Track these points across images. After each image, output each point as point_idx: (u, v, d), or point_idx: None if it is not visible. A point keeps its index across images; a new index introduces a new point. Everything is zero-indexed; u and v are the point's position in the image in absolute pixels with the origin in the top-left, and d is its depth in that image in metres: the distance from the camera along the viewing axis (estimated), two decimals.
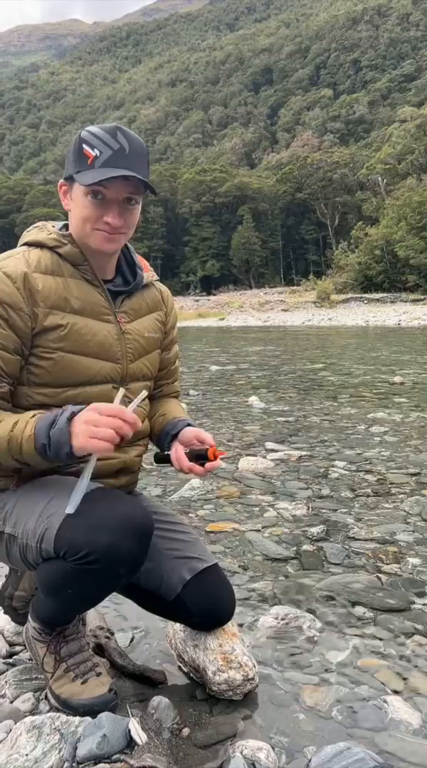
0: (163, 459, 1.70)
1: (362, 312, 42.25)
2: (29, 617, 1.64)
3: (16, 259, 1.48)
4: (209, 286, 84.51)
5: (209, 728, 1.51)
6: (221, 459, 1.63)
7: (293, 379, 9.24)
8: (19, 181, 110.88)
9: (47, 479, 1.52)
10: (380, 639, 1.95)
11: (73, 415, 1.34)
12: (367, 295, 51.25)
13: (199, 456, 1.62)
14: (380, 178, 70.91)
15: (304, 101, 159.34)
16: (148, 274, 1.74)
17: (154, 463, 1.71)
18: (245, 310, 53.51)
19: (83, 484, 1.37)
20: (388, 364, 10.98)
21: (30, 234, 1.58)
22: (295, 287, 66.99)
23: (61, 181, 1.54)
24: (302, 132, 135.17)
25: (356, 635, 1.98)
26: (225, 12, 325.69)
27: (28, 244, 1.55)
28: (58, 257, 1.53)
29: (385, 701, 1.60)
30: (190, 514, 3.18)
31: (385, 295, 50.55)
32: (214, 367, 11.24)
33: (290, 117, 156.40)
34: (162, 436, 1.74)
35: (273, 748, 1.41)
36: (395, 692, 1.67)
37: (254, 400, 7.03)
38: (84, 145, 1.44)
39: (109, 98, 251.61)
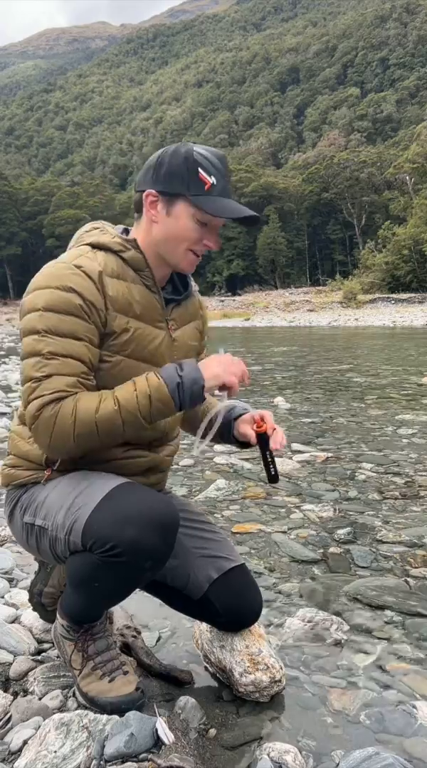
0: (270, 476, 1.69)
1: (390, 312, 41.84)
2: (58, 614, 1.66)
3: (89, 259, 1.48)
4: (234, 286, 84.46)
5: (236, 729, 1.51)
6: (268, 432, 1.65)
7: (319, 380, 9.19)
8: (47, 183, 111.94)
9: (76, 474, 1.54)
10: (409, 643, 1.93)
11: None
12: (394, 296, 50.73)
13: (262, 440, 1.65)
14: (407, 177, 70.02)
15: (331, 100, 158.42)
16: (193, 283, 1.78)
17: (270, 483, 1.74)
18: (271, 310, 53.38)
19: (216, 426, 1.61)
20: (416, 365, 10.85)
21: (92, 235, 1.57)
22: (321, 287, 66.60)
23: (152, 191, 1.52)
24: (328, 131, 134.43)
25: (383, 639, 1.96)
26: (252, 12, 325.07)
27: (92, 245, 1.54)
28: (122, 261, 1.54)
29: (414, 706, 1.57)
30: (215, 515, 3.18)
31: (413, 295, 49.96)
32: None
33: (316, 116, 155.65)
34: (222, 428, 1.74)
35: (301, 751, 1.40)
36: (425, 697, 1.65)
37: (279, 400, 7.01)
38: (200, 170, 1.47)
39: (135, 100, 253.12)
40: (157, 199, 1.52)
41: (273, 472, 1.66)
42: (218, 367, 1.46)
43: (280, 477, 1.72)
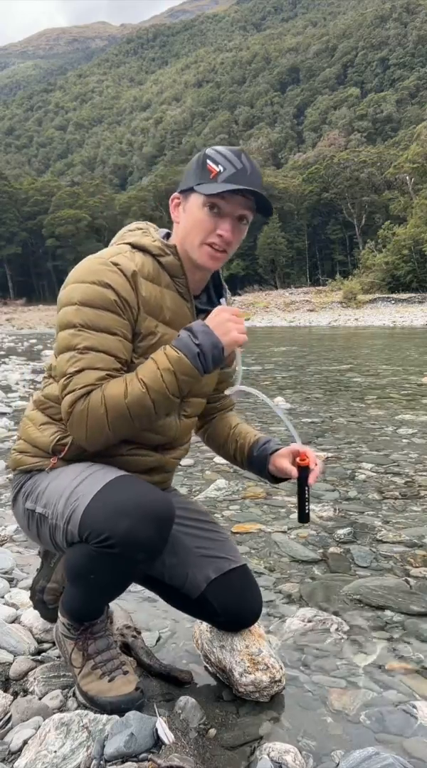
0: (303, 514, 1.70)
1: (390, 312, 41.83)
2: (59, 613, 1.67)
3: (126, 258, 1.50)
4: (234, 286, 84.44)
5: (236, 729, 1.51)
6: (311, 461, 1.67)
7: (319, 380, 9.19)
8: (47, 183, 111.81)
9: (79, 464, 1.55)
10: (409, 643, 1.92)
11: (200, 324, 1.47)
12: (394, 295, 50.69)
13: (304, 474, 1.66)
14: (407, 177, 69.91)
15: (331, 100, 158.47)
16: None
17: (300, 522, 1.73)
18: (271, 310, 53.35)
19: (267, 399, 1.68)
20: (416, 365, 10.85)
21: (134, 235, 1.59)
22: (321, 287, 66.48)
23: (175, 194, 1.58)
24: (328, 131, 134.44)
25: (383, 639, 1.96)
26: (252, 12, 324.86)
27: (132, 245, 1.55)
28: (159, 266, 1.55)
29: (414, 706, 1.57)
30: (215, 515, 3.18)
31: (413, 295, 49.91)
32: (238, 368, 11.20)
33: (316, 116, 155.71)
34: (257, 460, 1.83)
35: (300, 751, 1.40)
36: (425, 697, 1.65)
37: (279, 400, 7.01)
38: (208, 161, 1.49)
39: (135, 99, 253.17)
40: (179, 200, 1.57)
41: (307, 510, 1.66)
42: (234, 331, 1.47)
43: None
